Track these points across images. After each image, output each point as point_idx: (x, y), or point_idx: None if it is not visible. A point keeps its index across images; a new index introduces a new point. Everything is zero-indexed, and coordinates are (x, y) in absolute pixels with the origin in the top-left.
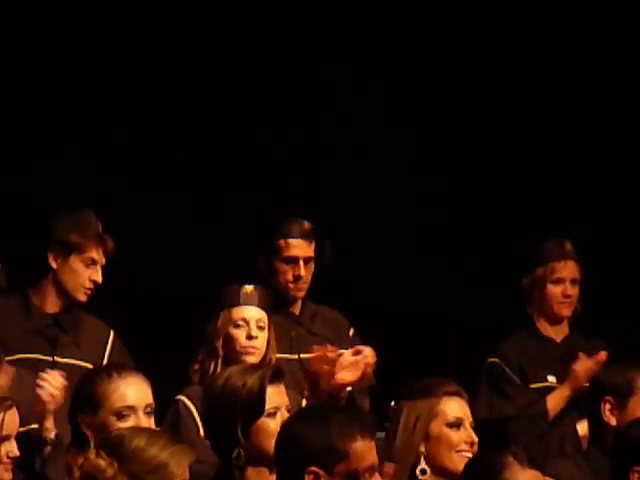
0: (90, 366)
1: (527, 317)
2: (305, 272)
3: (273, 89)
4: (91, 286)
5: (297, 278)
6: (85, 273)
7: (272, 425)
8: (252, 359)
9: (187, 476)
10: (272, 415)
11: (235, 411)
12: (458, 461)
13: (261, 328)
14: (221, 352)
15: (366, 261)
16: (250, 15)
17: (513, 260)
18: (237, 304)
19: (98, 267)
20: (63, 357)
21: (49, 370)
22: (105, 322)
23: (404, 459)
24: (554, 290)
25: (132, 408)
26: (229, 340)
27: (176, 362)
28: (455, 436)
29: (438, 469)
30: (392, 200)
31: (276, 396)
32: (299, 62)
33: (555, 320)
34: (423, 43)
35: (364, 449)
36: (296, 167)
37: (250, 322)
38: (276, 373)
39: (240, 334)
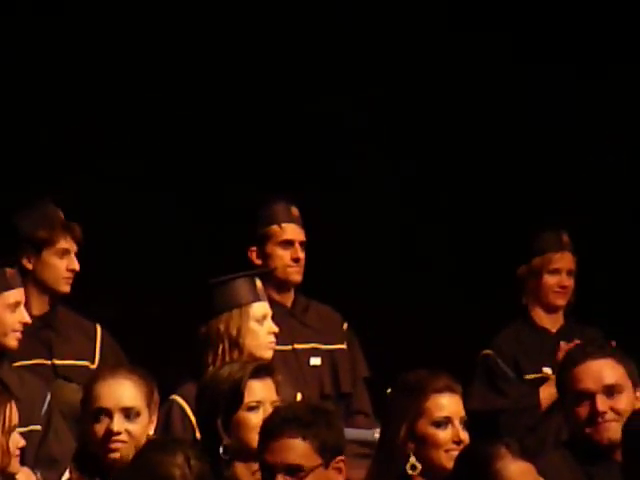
0: (86, 363)
1: (522, 308)
2: (301, 256)
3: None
4: (71, 275)
5: (296, 260)
6: (62, 264)
7: (254, 419)
8: (271, 353)
9: None
10: (254, 409)
11: (216, 403)
12: (446, 460)
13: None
14: (243, 347)
15: (359, 253)
16: (255, 15)
17: (508, 250)
18: (254, 300)
19: (72, 255)
20: (61, 359)
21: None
22: (98, 318)
23: (393, 455)
24: (550, 280)
25: (106, 410)
26: (250, 335)
27: (177, 359)
28: (442, 435)
29: (427, 467)
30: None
31: (261, 390)
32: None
33: (550, 310)
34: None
35: None
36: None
37: (268, 318)
38: (263, 367)
39: (262, 330)
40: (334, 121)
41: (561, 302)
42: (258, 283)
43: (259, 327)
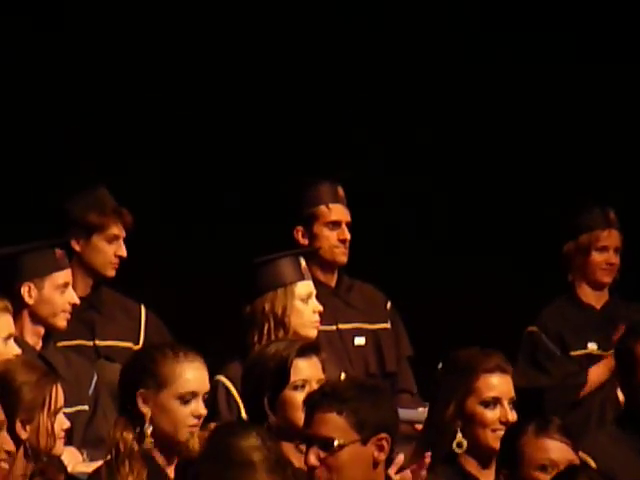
0: (129, 344)
1: (567, 284)
2: (348, 236)
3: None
4: (117, 261)
5: (343, 241)
6: (110, 250)
7: (299, 398)
8: (316, 332)
9: None
10: (300, 388)
11: (262, 381)
12: (492, 439)
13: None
14: (289, 326)
15: (400, 234)
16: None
17: (552, 228)
18: (299, 280)
19: (121, 241)
20: (103, 340)
21: None
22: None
23: (441, 432)
24: (598, 258)
25: (195, 394)
26: (295, 314)
27: (222, 339)
28: (489, 415)
29: (473, 445)
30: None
31: (307, 369)
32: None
33: (597, 286)
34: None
35: None
36: None
37: (312, 297)
38: (309, 346)
39: (307, 309)
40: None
41: (608, 279)
42: (302, 262)
43: (304, 306)
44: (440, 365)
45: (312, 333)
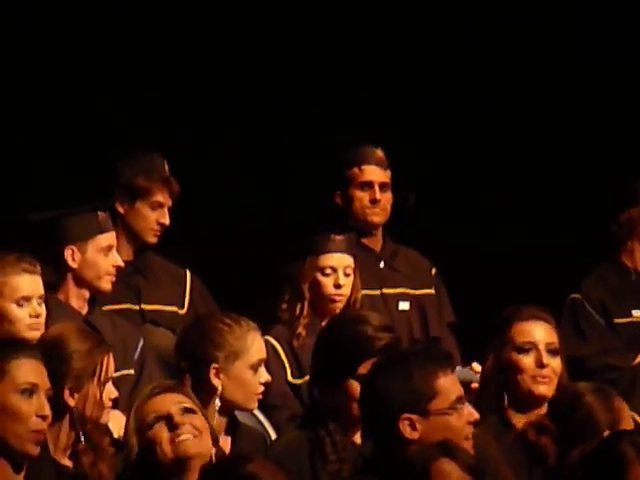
0: (174, 309)
1: (609, 251)
2: (382, 198)
3: None
4: (160, 228)
5: (373, 202)
6: (152, 216)
7: None
8: (339, 306)
9: None
10: None
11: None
12: (532, 384)
13: (347, 275)
14: (307, 295)
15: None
16: None
17: (601, 195)
18: (325, 252)
19: (165, 210)
20: (148, 304)
21: None
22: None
23: (485, 388)
24: None
25: (262, 361)
26: (316, 286)
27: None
28: (525, 361)
29: (514, 395)
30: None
31: None
32: None
33: None
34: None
35: (448, 383)
36: None
37: (338, 270)
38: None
39: (328, 282)
40: None
41: None
42: (337, 236)
43: (324, 279)
44: None
45: (336, 306)
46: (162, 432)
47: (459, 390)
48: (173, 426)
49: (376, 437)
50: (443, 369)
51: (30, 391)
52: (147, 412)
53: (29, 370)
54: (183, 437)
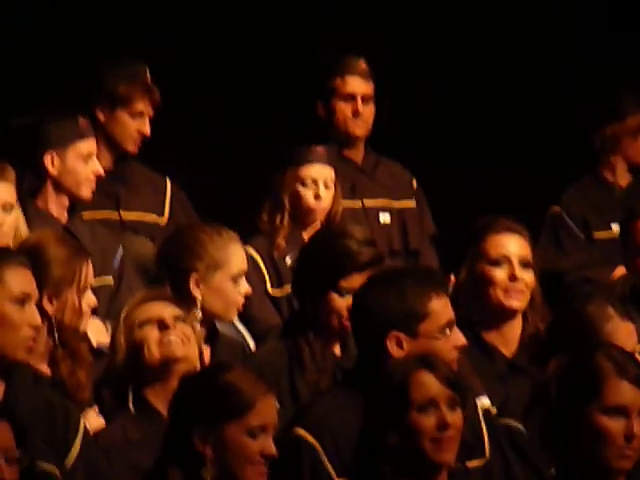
0: (154, 216)
1: (590, 164)
2: (364, 110)
3: None
4: (139, 137)
5: (355, 114)
6: (132, 125)
7: None
8: (319, 217)
9: None
10: None
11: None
12: (503, 297)
13: (328, 187)
14: (287, 206)
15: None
16: None
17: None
18: (305, 162)
19: (146, 119)
20: (127, 210)
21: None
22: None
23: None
24: None
25: (243, 272)
26: (296, 197)
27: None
28: (497, 273)
29: (487, 308)
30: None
31: None
32: None
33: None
34: None
35: (441, 305)
36: None
37: (318, 181)
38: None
39: (308, 193)
40: None
41: None
42: (317, 147)
43: (304, 190)
44: None
45: (315, 218)
46: (152, 332)
47: (450, 314)
48: (164, 327)
49: (361, 351)
50: (437, 291)
51: (22, 300)
52: (139, 314)
53: (22, 279)
54: (172, 338)
